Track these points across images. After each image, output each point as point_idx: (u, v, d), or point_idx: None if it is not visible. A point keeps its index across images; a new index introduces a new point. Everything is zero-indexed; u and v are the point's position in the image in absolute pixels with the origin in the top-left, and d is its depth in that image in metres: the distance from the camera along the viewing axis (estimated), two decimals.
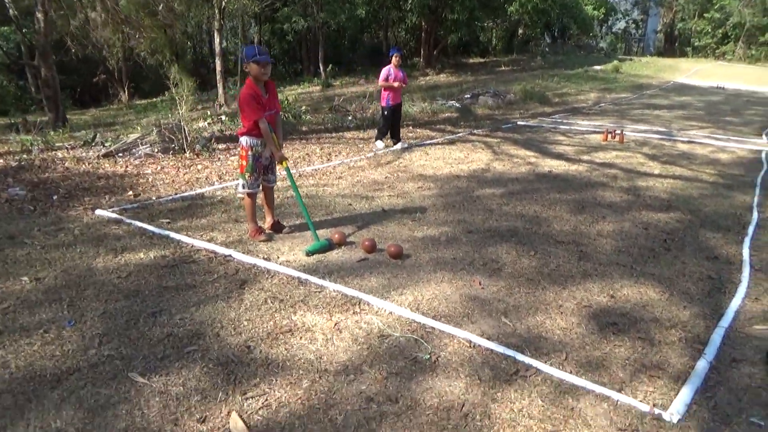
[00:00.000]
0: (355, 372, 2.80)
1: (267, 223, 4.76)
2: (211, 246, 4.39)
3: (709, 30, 36.18)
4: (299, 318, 3.32)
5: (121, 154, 7.57)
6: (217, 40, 18.58)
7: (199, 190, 6.09)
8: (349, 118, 12.05)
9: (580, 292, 3.74)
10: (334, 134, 10.03)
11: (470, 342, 3.06)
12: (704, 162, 8.05)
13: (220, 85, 18.45)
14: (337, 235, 4.45)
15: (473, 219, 5.19)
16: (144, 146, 7.82)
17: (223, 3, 18.58)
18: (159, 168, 7.08)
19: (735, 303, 3.64)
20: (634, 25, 42.27)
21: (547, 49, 33.73)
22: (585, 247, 4.56)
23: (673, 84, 21.49)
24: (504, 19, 27.39)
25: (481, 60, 30.66)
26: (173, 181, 6.52)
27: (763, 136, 10.50)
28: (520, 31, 32.67)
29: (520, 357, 2.92)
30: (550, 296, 3.66)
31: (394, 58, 8.32)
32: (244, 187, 4.44)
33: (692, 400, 2.63)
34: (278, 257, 4.23)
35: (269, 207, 4.74)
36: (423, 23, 24.94)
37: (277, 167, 4.60)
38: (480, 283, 3.81)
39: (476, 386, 2.70)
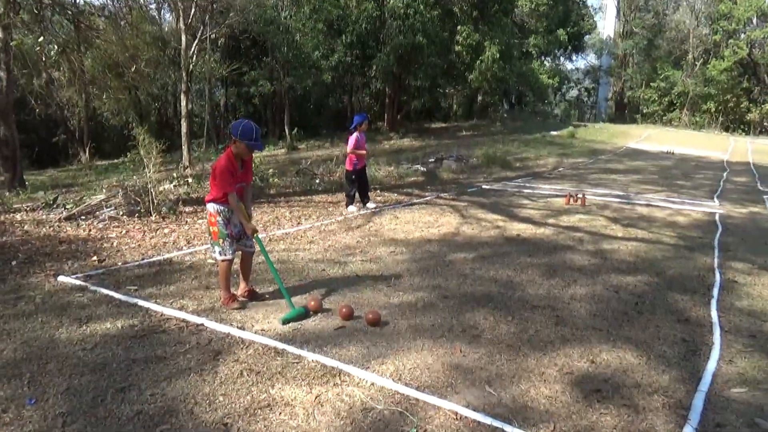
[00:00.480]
0: None
1: (240, 290, 4.64)
2: (182, 314, 4.24)
3: (656, 98, 38.42)
4: (278, 391, 3.19)
5: (84, 217, 7.36)
6: (183, 102, 18.66)
7: (167, 255, 5.94)
8: (317, 181, 12.13)
9: (561, 357, 3.73)
10: (302, 197, 10.03)
11: (456, 413, 2.99)
12: (663, 225, 8.33)
13: (185, 147, 18.40)
14: (313, 302, 4.36)
15: (448, 284, 5.19)
16: (108, 209, 7.64)
17: (191, 66, 18.82)
18: (124, 232, 6.90)
19: (711, 366, 3.69)
20: (586, 93, 44.60)
21: (505, 114, 35.12)
22: (560, 311, 4.59)
23: (626, 149, 22.51)
24: (464, 86, 28.48)
25: (443, 125, 31.61)
26: (139, 245, 6.35)
27: (715, 200, 10.99)
28: (480, 97, 34.00)
29: (508, 428, 2.86)
30: (531, 363, 3.63)
31: (364, 124, 8.52)
32: (220, 254, 4.35)
33: None
34: (253, 326, 4.10)
35: (245, 274, 4.64)
36: (387, 89, 25.74)
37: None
38: (461, 351, 3.76)
39: None
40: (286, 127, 25.00)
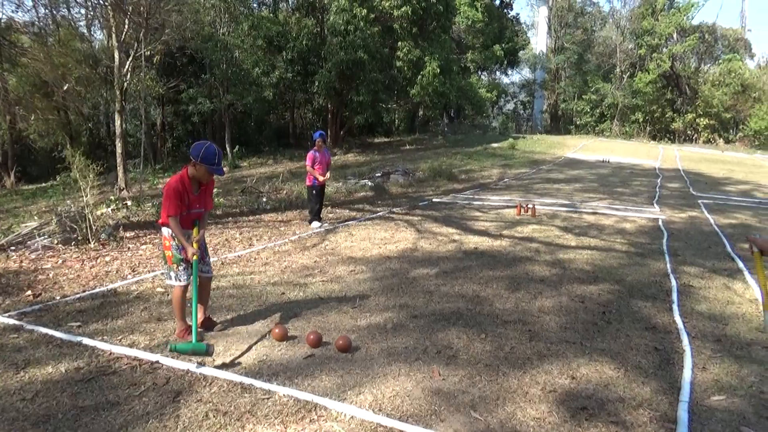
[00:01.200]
0: None
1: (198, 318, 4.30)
2: (133, 352, 3.88)
3: (588, 110, 39.96)
4: None
5: (14, 248, 6.78)
6: (117, 122, 17.79)
7: (110, 286, 5.50)
8: (264, 199, 11.77)
9: (541, 375, 3.63)
10: (251, 217, 9.67)
11: None
12: (612, 232, 8.50)
13: (120, 169, 17.52)
14: (277, 330, 4.09)
15: (415, 302, 5.03)
16: (42, 237, 7.08)
17: (125, 84, 18.04)
18: (61, 262, 6.38)
19: (687, 375, 3.67)
20: (522, 106, 45.92)
21: (446, 128, 35.62)
22: (532, 325, 4.51)
23: (565, 159, 23.17)
24: (406, 101, 28.68)
25: (386, 139, 31.72)
26: (78, 276, 5.87)
27: (655, 205, 11.38)
28: (421, 111, 34.33)
29: None
30: (513, 383, 3.51)
31: (318, 141, 8.34)
32: (175, 280, 4.03)
33: None
34: (214, 360, 3.79)
35: (202, 301, 4.32)
36: (329, 105, 25.55)
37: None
38: (439, 374, 3.59)
39: None
40: (227, 145, 24.36)
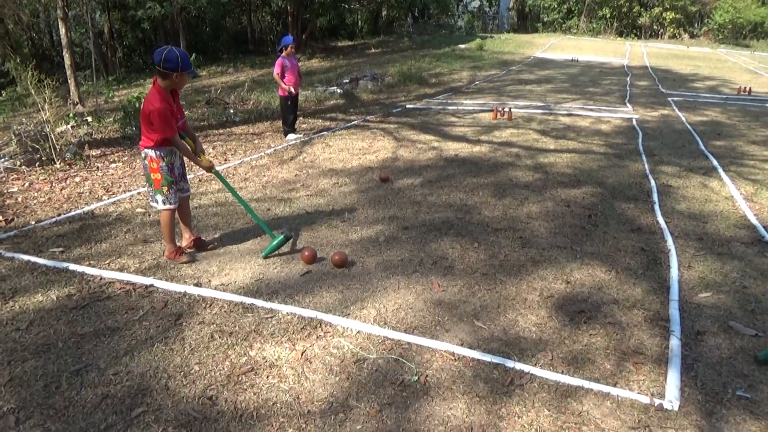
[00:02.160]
0: (343, 410, 2.50)
1: (185, 240, 4.21)
2: (124, 276, 3.79)
3: (555, 6, 38.88)
4: (258, 353, 2.92)
5: None
6: (62, 30, 16.49)
7: (86, 208, 5.28)
8: (231, 111, 11.31)
9: (537, 281, 3.70)
10: (221, 131, 9.32)
11: (453, 354, 2.88)
12: (589, 134, 8.52)
13: (71, 82, 16.48)
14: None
15: (404, 214, 5.00)
16: (2, 159, 6.69)
17: None
18: (27, 185, 6.08)
19: (674, 274, 3.80)
20: (487, 4, 44.32)
21: (411, 29, 34.29)
22: (522, 232, 4.55)
23: (534, 59, 22.76)
24: (369, 1, 27.33)
25: (350, 43, 30.43)
26: (50, 199, 5.62)
27: (627, 104, 11.40)
28: (384, 12, 32.88)
29: (509, 363, 2.79)
30: (511, 290, 3.57)
31: (289, 48, 7.89)
32: (165, 203, 3.87)
33: (681, 383, 2.66)
34: (210, 281, 3.74)
35: (186, 221, 4.20)
36: (289, 7, 24.15)
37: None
38: (438, 285, 3.63)
39: (477, 404, 2.52)
40: None
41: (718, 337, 3.07)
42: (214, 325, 3.17)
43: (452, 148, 7.59)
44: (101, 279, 3.76)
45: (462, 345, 2.95)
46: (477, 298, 3.47)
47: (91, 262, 4.04)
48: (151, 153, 3.77)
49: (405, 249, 4.22)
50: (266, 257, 4.03)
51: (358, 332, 3.08)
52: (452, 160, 6.92)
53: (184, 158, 4.03)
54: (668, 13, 35.63)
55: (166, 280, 3.74)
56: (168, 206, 3.88)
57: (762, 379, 2.71)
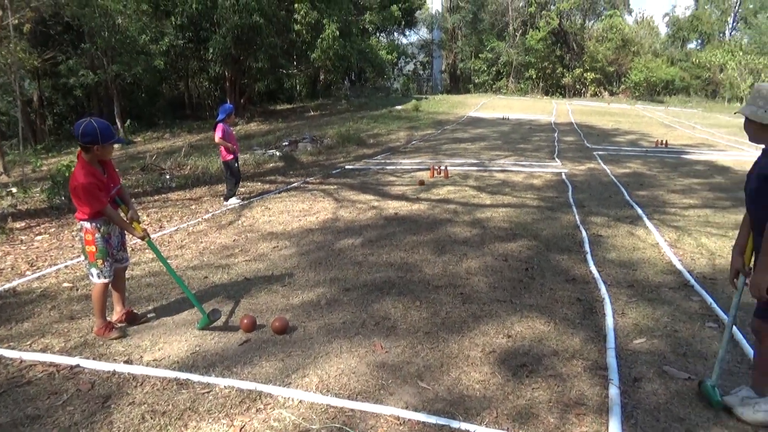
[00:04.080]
0: None
1: (116, 314, 4.01)
2: (48, 357, 3.54)
3: (485, 68, 41.04)
4: None
5: None
6: None
7: (7, 285, 4.97)
8: (168, 177, 11.12)
9: (479, 337, 3.72)
10: (156, 197, 9.11)
11: (399, 418, 2.82)
12: (523, 188, 8.84)
13: None
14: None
15: (345, 275, 4.97)
16: None
17: None
18: None
19: (609, 322, 3.91)
20: (421, 67, 46.27)
21: (348, 92, 35.21)
22: (462, 288, 4.60)
23: (467, 118, 23.71)
24: (307, 66, 27.98)
25: (289, 106, 30.88)
26: None
27: (556, 159, 11.96)
28: (322, 76, 33.68)
29: (455, 424, 2.75)
30: (454, 348, 3.57)
31: (231, 116, 8.05)
32: (98, 277, 3.71)
33: (623, 431, 2.69)
34: (142, 357, 3.55)
35: (120, 294, 4.02)
36: (227, 72, 24.38)
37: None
38: (381, 347, 3.58)
39: None
40: (117, 120, 22.66)
41: (654, 382, 3.15)
42: (146, 405, 2.99)
43: (392, 206, 7.69)
44: (21, 362, 3.51)
45: (407, 408, 2.90)
46: (420, 357, 3.45)
47: (11, 343, 3.77)
48: (87, 225, 3.64)
49: (347, 311, 4.17)
50: (201, 330, 3.88)
51: (300, 402, 2.98)
52: (392, 219, 6.99)
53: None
54: (589, 74, 38.23)
55: (93, 358, 3.52)
56: (102, 280, 3.72)
57: (698, 422, 2.78)
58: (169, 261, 5.47)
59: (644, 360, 3.40)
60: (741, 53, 36.48)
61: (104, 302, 3.80)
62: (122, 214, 3.84)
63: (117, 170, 3.97)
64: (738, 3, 44.50)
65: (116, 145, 3.83)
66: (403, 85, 40.25)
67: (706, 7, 45.50)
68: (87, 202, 3.51)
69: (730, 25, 45.97)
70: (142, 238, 3.83)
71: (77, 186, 3.49)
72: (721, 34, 45.56)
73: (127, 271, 4.85)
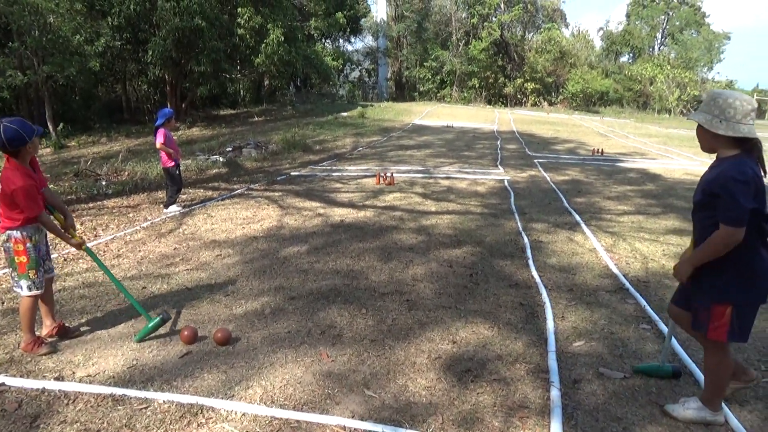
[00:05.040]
0: None
1: (46, 328, 3.80)
2: None
3: (430, 77, 41.68)
4: None
5: None
6: None
7: None
8: (104, 183, 10.68)
9: (425, 343, 3.74)
10: (91, 204, 8.72)
11: (345, 427, 2.79)
12: (467, 195, 8.99)
13: None
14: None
15: (290, 283, 4.90)
16: None
17: None
18: None
19: (550, 325, 4.02)
20: (367, 74, 46.47)
21: (294, 98, 34.96)
22: (408, 294, 4.62)
23: (413, 125, 23.97)
24: (251, 71, 27.59)
25: (233, 111, 30.35)
26: None
27: (499, 167, 12.24)
28: (267, 81, 33.30)
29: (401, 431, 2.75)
30: (400, 355, 3.57)
31: (171, 121, 7.79)
32: (30, 289, 3.51)
33: None
34: (74, 372, 3.37)
35: (49, 307, 3.81)
36: (167, 76, 23.74)
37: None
38: (327, 355, 3.55)
39: None
40: (48, 123, 21.60)
41: (593, 383, 3.25)
42: (78, 424, 2.85)
43: (338, 213, 7.65)
44: None
45: (353, 417, 2.88)
46: (367, 365, 3.43)
47: None
48: (16, 234, 3.44)
49: (292, 320, 4.11)
50: (140, 341, 3.74)
51: (243, 414, 2.91)
52: (338, 226, 6.96)
53: (49, 235, 3.71)
54: (529, 84, 39.43)
55: (20, 376, 3.32)
56: (34, 292, 3.53)
57: (634, 420, 2.89)
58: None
59: (583, 362, 3.50)
60: (669, 67, 38.58)
61: (33, 316, 3.59)
62: (58, 220, 3.66)
63: (46, 176, 3.79)
64: (666, 20, 47.00)
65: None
66: (348, 92, 40.31)
67: (636, 22, 47.83)
68: (26, 206, 3.33)
69: (659, 41, 48.50)
70: (79, 246, 3.66)
71: (16, 190, 3.29)
72: (650, 49, 48.01)
73: (58, 283, 4.66)
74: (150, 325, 3.74)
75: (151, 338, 3.80)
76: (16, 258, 3.48)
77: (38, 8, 19.72)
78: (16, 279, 3.54)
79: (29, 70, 20.71)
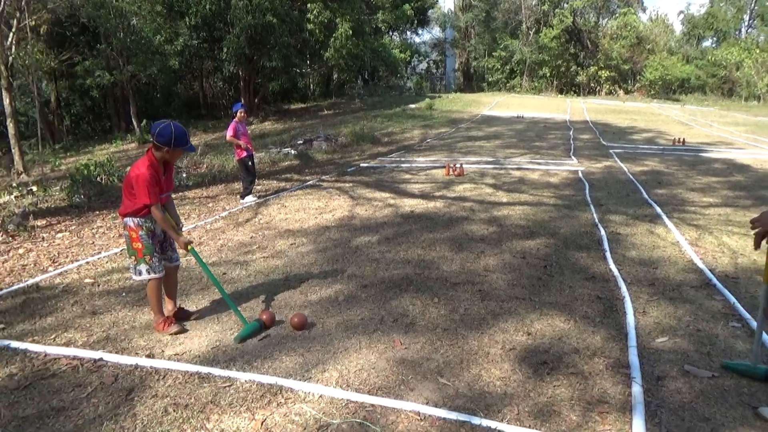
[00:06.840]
0: None
1: (168, 312, 4.04)
2: (71, 351, 3.59)
3: (499, 67, 40.87)
4: (215, 425, 2.78)
5: None
6: (6, 100, 16.22)
7: (30, 281, 5.04)
8: (184, 175, 11.20)
9: (498, 334, 3.70)
10: (174, 195, 9.13)
11: (419, 413, 2.81)
12: (540, 186, 8.79)
13: (15, 151, 16.08)
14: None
15: (362, 272, 4.97)
16: None
17: (10, 59, 16.41)
18: None
19: (630, 320, 3.87)
20: (435, 66, 46.20)
21: (362, 91, 35.26)
22: (480, 285, 4.58)
23: (482, 116, 23.64)
24: (320, 65, 28.07)
25: (303, 105, 30.99)
26: None
27: (572, 157, 11.87)
28: (335, 75, 33.77)
29: (476, 420, 2.74)
30: (473, 344, 3.56)
31: (238, 113, 8.02)
32: (149, 272, 3.75)
33: (647, 430, 2.66)
34: (163, 351, 3.58)
35: (171, 292, 4.07)
36: (240, 72, 24.51)
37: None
38: (401, 343, 3.58)
39: None
40: (133, 120, 22.88)
41: (678, 381, 3.11)
42: (168, 398, 3.02)
43: (408, 204, 7.68)
44: (46, 356, 3.55)
45: (427, 404, 2.90)
46: (440, 354, 3.44)
47: (35, 338, 3.82)
48: (130, 222, 3.69)
49: (365, 307, 4.17)
50: (241, 341, 3.72)
51: (320, 396, 2.99)
52: (408, 217, 6.98)
53: None
54: (603, 72, 37.91)
55: (116, 352, 3.56)
56: (153, 275, 3.76)
57: (723, 422, 2.75)
58: (188, 258, 5.52)
59: (667, 359, 3.36)
60: (758, 51, 35.99)
61: (160, 297, 3.85)
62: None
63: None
64: (754, 0, 43.89)
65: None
66: (416, 83, 40.21)
67: (721, 4, 44.93)
68: (141, 192, 3.55)
69: (746, 23, 45.37)
70: (186, 246, 3.78)
71: (138, 175, 3.53)
72: (736, 32, 44.99)
73: None
74: (250, 329, 3.76)
75: (232, 320, 3.96)
76: (132, 244, 3.72)
77: (122, 11, 20.85)
78: (134, 265, 3.76)
79: (115, 70, 21.96)
